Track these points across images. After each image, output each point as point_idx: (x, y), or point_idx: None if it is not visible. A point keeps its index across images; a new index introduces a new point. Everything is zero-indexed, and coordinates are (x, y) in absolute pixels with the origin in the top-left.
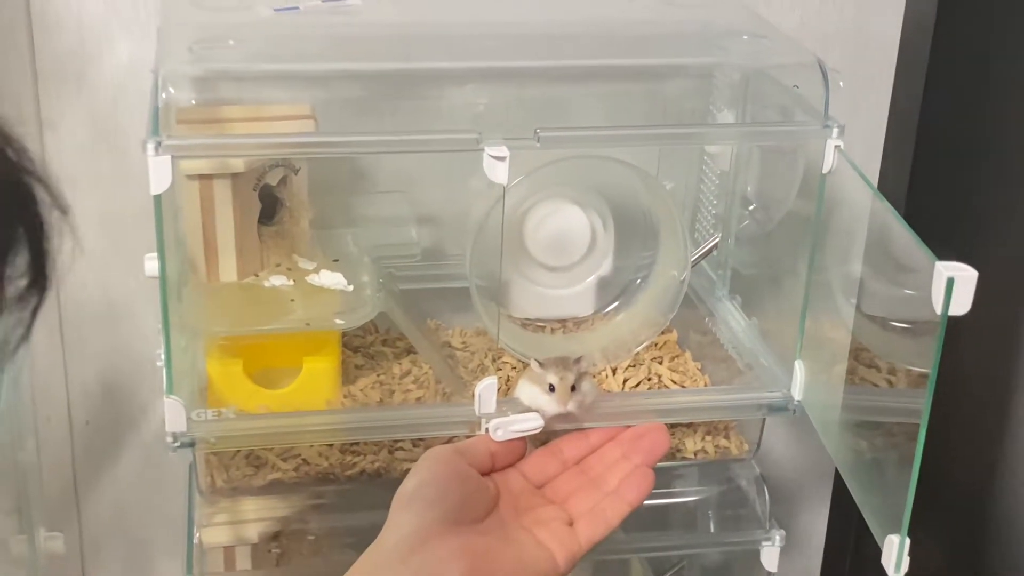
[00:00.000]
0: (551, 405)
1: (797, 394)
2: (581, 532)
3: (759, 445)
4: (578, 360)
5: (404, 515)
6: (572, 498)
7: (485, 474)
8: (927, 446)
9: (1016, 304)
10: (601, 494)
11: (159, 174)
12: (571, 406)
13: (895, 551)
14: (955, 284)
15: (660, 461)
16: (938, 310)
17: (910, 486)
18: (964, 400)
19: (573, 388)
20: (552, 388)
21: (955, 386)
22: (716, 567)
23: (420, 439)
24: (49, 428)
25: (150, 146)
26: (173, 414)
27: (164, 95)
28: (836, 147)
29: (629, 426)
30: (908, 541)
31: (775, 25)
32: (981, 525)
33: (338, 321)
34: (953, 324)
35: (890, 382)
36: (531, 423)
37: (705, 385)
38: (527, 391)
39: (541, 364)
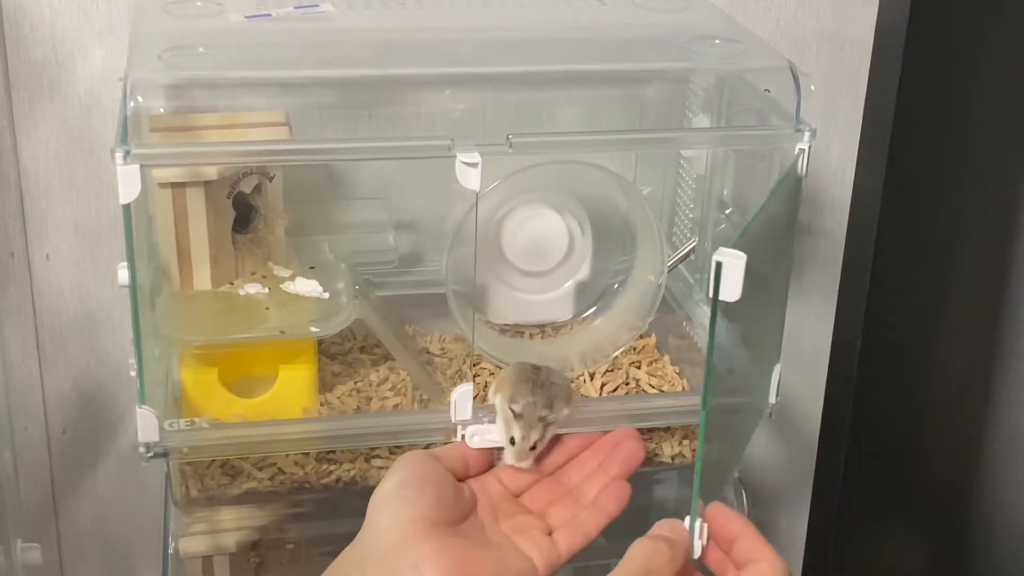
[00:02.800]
0: (508, 455)
1: (771, 397)
2: (560, 542)
3: None
4: (550, 410)
5: (382, 515)
6: (550, 509)
7: (460, 479)
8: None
9: (992, 304)
10: (579, 506)
11: (128, 183)
12: (525, 464)
13: None
14: (723, 268)
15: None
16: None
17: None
18: (943, 401)
19: (534, 447)
20: (512, 442)
21: (934, 386)
22: None
23: (397, 447)
24: (26, 438)
25: (118, 155)
26: (145, 424)
27: (133, 103)
28: (800, 150)
29: (606, 431)
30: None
31: (751, 30)
32: (961, 525)
33: (313, 329)
34: (931, 325)
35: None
36: None
37: (684, 389)
38: (497, 418)
39: (516, 414)
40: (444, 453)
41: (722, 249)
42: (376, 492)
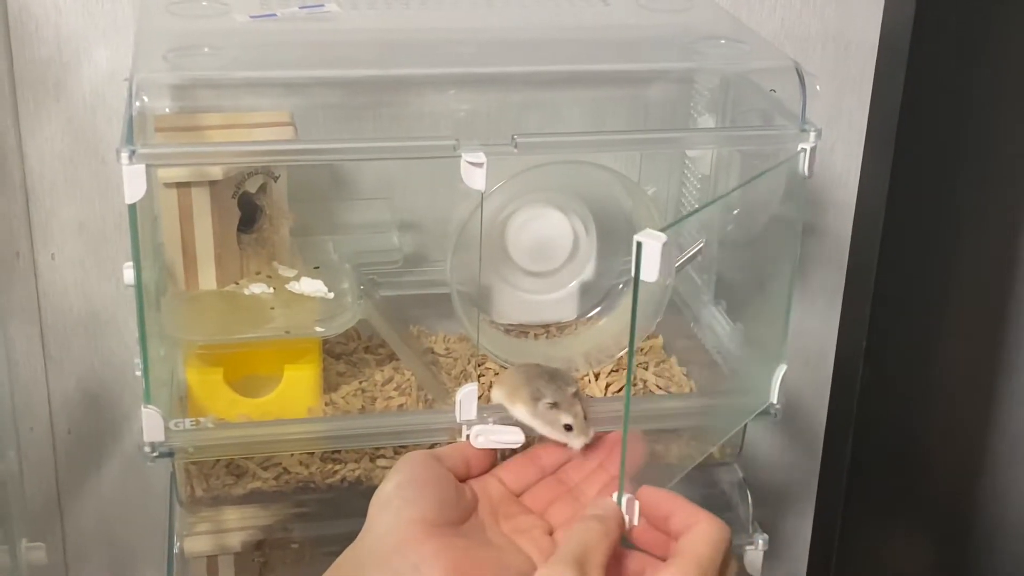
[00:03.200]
0: (578, 440)
1: (773, 397)
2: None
3: (741, 449)
4: (573, 384)
5: (383, 516)
6: (551, 508)
7: (462, 480)
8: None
9: (997, 306)
10: (580, 505)
11: (133, 183)
12: (590, 436)
13: None
14: (643, 248)
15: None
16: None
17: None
18: (947, 402)
19: (586, 418)
20: (569, 428)
21: (938, 387)
22: None
23: (402, 446)
24: (31, 437)
25: (124, 155)
26: (151, 424)
27: (138, 103)
28: (802, 150)
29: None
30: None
31: (755, 30)
32: (966, 527)
33: (318, 329)
34: (936, 326)
35: None
36: (512, 436)
37: (691, 390)
38: (529, 420)
39: (553, 405)
40: (446, 454)
41: (646, 230)
42: (377, 493)
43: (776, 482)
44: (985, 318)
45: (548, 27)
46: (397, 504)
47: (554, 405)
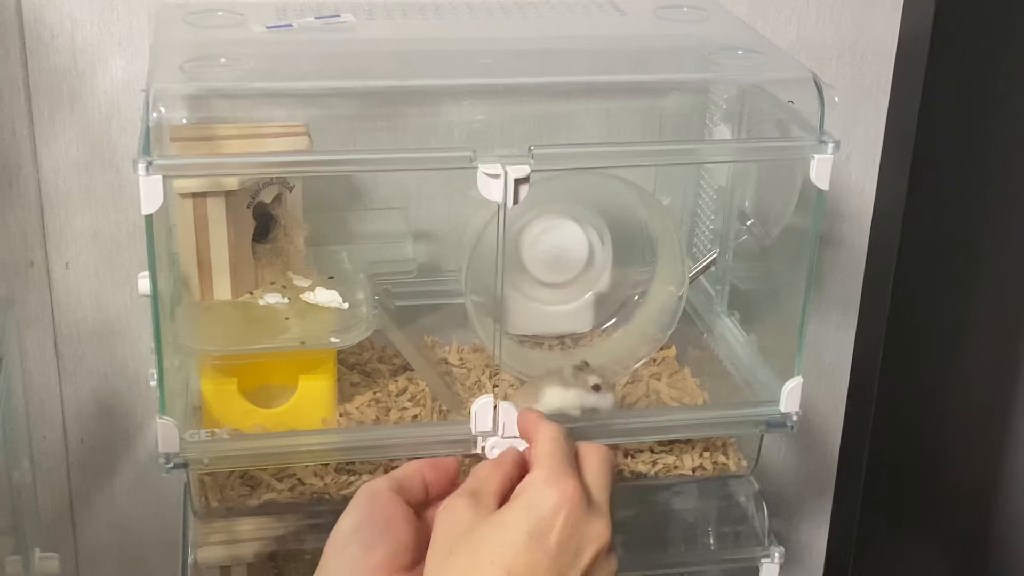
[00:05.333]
0: (606, 400)
1: (783, 407)
2: None
3: (757, 461)
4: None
5: (340, 560)
6: None
7: (422, 505)
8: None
9: (1016, 312)
10: None
11: (150, 194)
12: (616, 395)
13: None
14: None
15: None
16: None
17: None
18: (964, 411)
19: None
20: (598, 387)
21: (955, 397)
22: None
23: (416, 458)
24: (44, 447)
25: (141, 166)
26: (166, 434)
27: (155, 114)
28: (814, 159)
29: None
30: None
31: (771, 40)
32: (983, 536)
33: (333, 339)
34: (952, 336)
35: None
36: None
37: (704, 402)
38: (562, 397)
39: (580, 367)
40: (405, 483)
41: None
42: (332, 533)
43: (792, 494)
44: (1004, 329)
45: (564, 37)
46: (353, 551)
47: (582, 367)
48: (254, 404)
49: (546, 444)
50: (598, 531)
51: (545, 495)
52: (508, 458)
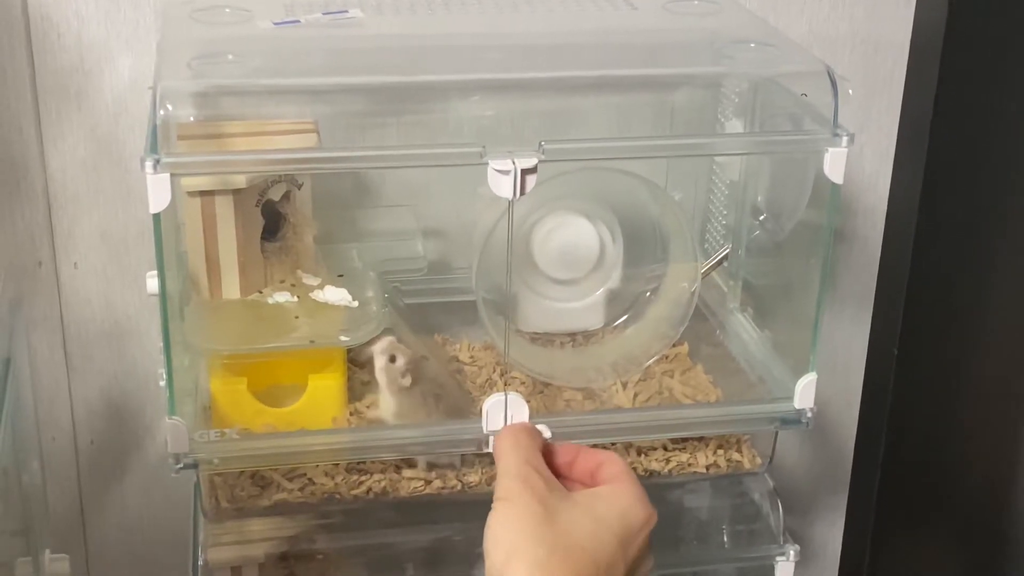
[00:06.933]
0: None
1: (797, 403)
2: None
3: (772, 458)
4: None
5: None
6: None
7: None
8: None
9: None
10: None
11: (158, 192)
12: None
13: None
14: None
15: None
16: None
17: None
18: (979, 408)
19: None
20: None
21: (970, 394)
22: None
23: (427, 456)
24: (54, 448)
25: (148, 164)
26: (175, 435)
27: (163, 112)
28: (827, 152)
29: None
30: None
31: (783, 33)
32: (998, 534)
33: (343, 338)
34: (968, 332)
35: None
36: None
37: (717, 398)
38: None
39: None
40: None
41: None
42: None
43: (806, 492)
44: (1019, 323)
45: (574, 31)
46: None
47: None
48: (264, 403)
49: (621, 462)
50: (650, 560)
51: (638, 511)
52: (523, 435)
